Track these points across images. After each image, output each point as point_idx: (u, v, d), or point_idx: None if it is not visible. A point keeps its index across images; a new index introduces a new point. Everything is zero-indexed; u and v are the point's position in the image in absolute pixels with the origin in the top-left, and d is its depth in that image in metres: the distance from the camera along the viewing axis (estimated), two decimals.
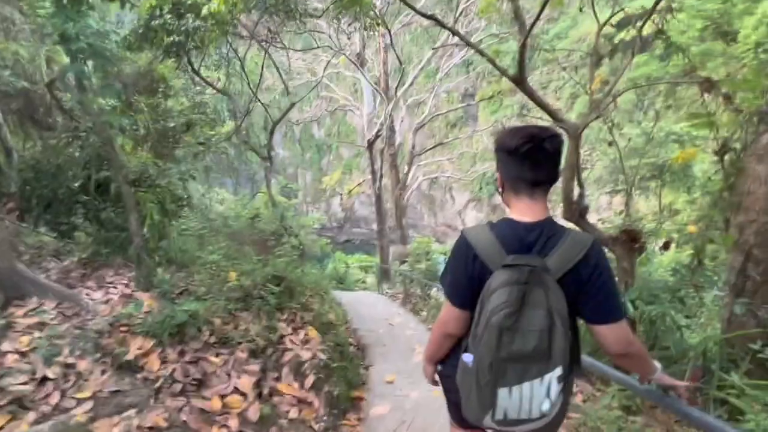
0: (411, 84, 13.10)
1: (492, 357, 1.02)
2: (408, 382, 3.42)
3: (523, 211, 1.13)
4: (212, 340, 2.57)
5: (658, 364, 1.22)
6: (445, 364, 1.32)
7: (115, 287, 2.99)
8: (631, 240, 3.76)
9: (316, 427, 2.39)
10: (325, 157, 34.49)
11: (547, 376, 1.02)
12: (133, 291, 2.93)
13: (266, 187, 7.42)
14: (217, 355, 2.46)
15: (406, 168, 13.55)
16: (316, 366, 2.80)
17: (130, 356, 2.12)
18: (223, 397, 2.15)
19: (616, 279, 4.03)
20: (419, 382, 3.62)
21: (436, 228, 32.41)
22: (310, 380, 2.69)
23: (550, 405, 1.04)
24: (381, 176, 12.17)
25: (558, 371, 1.02)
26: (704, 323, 3.98)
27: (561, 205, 4.11)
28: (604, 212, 23.68)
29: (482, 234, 1.13)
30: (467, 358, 1.10)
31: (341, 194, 17.75)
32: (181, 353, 2.33)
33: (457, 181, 31.99)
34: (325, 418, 2.46)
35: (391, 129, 13.20)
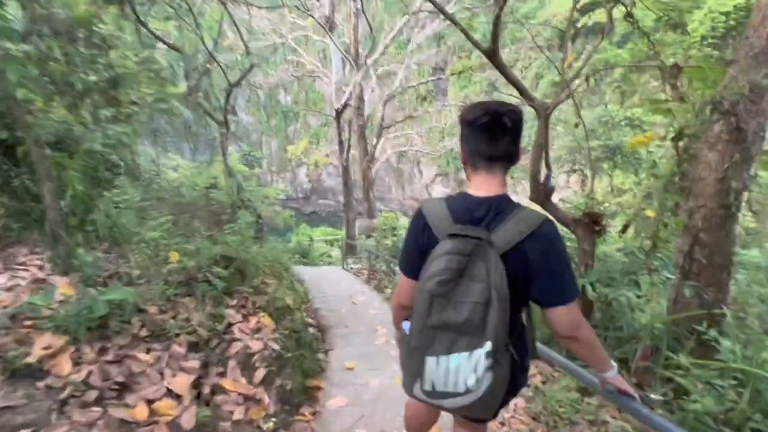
0: (382, 53, 12.43)
1: (422, 323, 1.02)
2: (369, 368, 3.25)
3: (479, 185, 1.12)
4: (144, 333, 2.22)
5: (614, 364, 1.19)
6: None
7: (26, 269, 2.52)
8: (593, 222, 3.72)
9: (264, 427, 2.15)
10: (291, 124, 32.92)
11: (477, 351, 0.99)
12: (48, 275, 2.47)
13: (222, 154, 6.77)
14: (148, 351, 2.13)
15: (374, 140, 13.10)
16: (268, 357, 2.54)
17: (31, 359, 1.74)
18: (151, 402, 1.84)
19: (575, 260, 4.05)
20: (381, 368, 3.48)
21: (403, 201, 32.40)
22: (260, 374, 2.43)
23: (475, 380, 0.99)
24: (349, 147, 11.68)
25: (488, 346, 0.98)
26: (654, 305, 4.10)
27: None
28: (562, 191, 24.64)
29: (436, 205, 1.13)
30: (406, 325, 1.12)
31: (308, 164, 17.02)
32: (102, 351, 1.97)
33: (425, 155, 31.86)
34: (274, 417, 2.23)
35: (361, 99, 12.59)
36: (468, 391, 1.00)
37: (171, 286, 2.70)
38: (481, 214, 1.07)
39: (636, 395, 1.23)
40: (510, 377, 1.05)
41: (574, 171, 20.80)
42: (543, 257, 1.01)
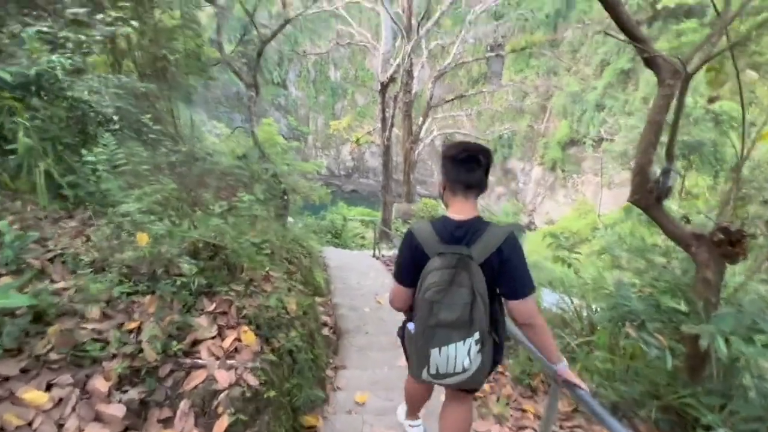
0: (436, 23, 11.08)
1: (424, 324, 1.32)
2: (383, 404, 2.40)
3: (457, 209, 1.41)
4: (54, 355, 1.47)
5: (563, 358, 1.48)
6: (401, 331, 1.62)
7: None
8: (728, 243, 2.51)
9: None
10: (339, 101, 32.18)
11: (468, 340, 1.30)
12: None
13: (248, 120, 6.06)
14: (48, 388, 1.38)
15: (420, 119, 11.94)
16: (239, 399, 1.73)
17: None
18: None
19: (693, 292, 2.88)
20: (398, 406, 2.60)
21: None
22: (222, 424, 1.63)
23: (469, 362, 1.33)
24: (392, 125, 10.64)
25: (476, 336, 1.31)
26: None
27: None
28: (627, 191, 21.88)
29: (424, 228, 1.41)
30: (410, 326, 1.46)
31: (351, 141, 16.23)
32: None
33: (471, 141, 29.95)
34: None
35: (409, 74, 11.42)
36: (465, 370, 1.34)
37: (127, 281, 1.96)
38: (461, 234, 1.36)
39: (584, 385, 1.46)
40: (493, 354, 1.42)
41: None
42: (507, 263, 1.32)
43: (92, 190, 2.59)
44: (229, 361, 1.87)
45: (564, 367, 1.46)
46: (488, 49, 13.07)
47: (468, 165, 1.39)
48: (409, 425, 2.06)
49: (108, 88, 4.39)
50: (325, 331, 3.69)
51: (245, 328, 2.08)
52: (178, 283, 2.05)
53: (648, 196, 2.66)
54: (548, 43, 22.73)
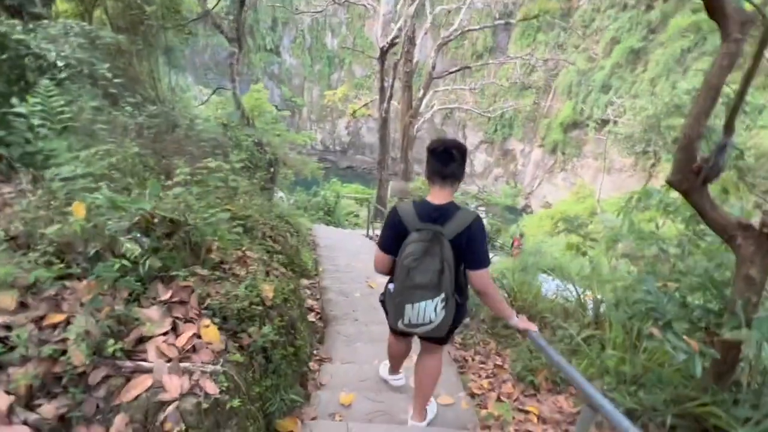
0: None
1: (402, 285, 1.67)
2: (372, 408, 2.11)
3: (435, 195, 1.74)
4: None
5: (513, 312, 1.86)
6: (385, 291, 1.94)
7: None
8: None
9: None
10: (336, 71, 30.97)
11: (435, 299, 1.65)
12: None
13: (231, 80, 5.53)
14: None
15: (421, 92, 11.36)
16: (192, 413, 1.41)
17: None
18: None
19: (730, 289, 2.58)
20: (389, 412, 2.28)
21: None
22: None
23: (435, 315, 1.67)
24: (390, 96, 10.09)
25: (442, 296, 1.65)
26: None
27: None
28: (626, 177, 21.61)
29: (407, 208, 1.74)
30: (390, 286, 1.83)
31: (346, 113, 15.52)
32: None
33: (472, 119, 29.21)
34: None
35: (411, 41, 10.73)
36: (431, 321, 1.69)
37: (60, 262, 1.59)
38: (436, 216, 1.68)
39: (534, 327, 1.83)
40: (455, 312, 1.76)
41: (645, 153, 17.88)
42: (470, 241, 1.65)
43: (31, 150, 2.18)
44: (183, 364, 1.53)
45: (518, 320, 1.85)
46: (497, 16, 12.30)
47: (444, 158, 1.69)
48: (393, 379, 2.40)
49: (68, 36, 3.87)
50: (311, 317, 3.39)
51: (207, 321, 1.73)
52: (124, 265, 1.68)
53: (692, 176, 2.28)
54: (561, 13, 21.75)
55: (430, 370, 2.01)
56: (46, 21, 4.23)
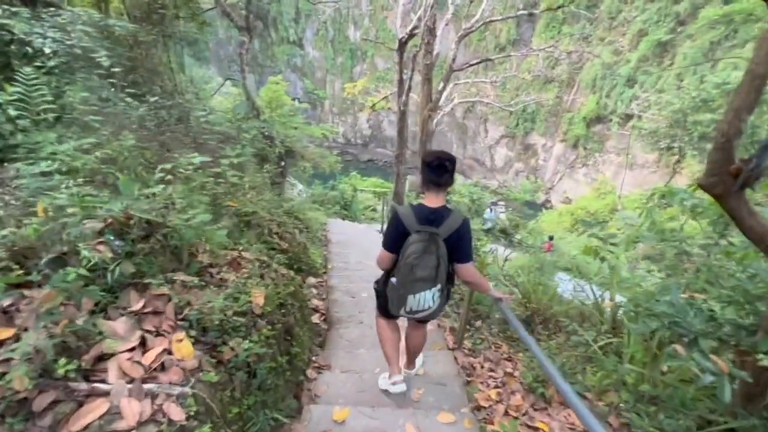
0: None
1: (405, 279, 1.87)
2: (367, 426, 1.87)
3: (430, 200, 1.90)
4: None
5: (491, 285, 2.14)
6: (383, 284, 2.13)
7: None
8: None
9: None
10: (358, 64, 30.50)
11: (433, 289, 1.89)
12: None
13: (240, 70, 5.30)
14: None
15: (441, 84, 10.86)
16: None
17: None
18: None
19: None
20: (384, 431, 2.02)
21: (462, 161, 29.62)
22: None
23: (432, 303, 1.94)
24: (409, 89, 9.66)
25: (439, 287, 1.91)
26: None
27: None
28: (648, 173, 20.34)
29: (407, 211, 1.89)
30: (393, 280, 1.96)
31: (366, 106, 15.15)
32: None
33: (493, 113, 28.23)
34: None
35: (431, 32, 10.21)
36: (429, 308, 1.95)
37: (19, 268, 1.40)
38: (432, 218, 1.85)
39: (503, 296, 2.12)
40: (446, 299, 2.04)
41: (670, 149, 16.68)
42: (460, 239, 1.86)
43: (14, 143, 2.01)
44: (147, 385, 1.33)
45: (495, 290, 2.11)
46: (521, 7, 11.51)
47: (439, 170, 1.84)
48: (393, 386, 2.31)
49: (76, 24, 3.70)
50: (315, 318, 3.17)
51: (181, 334, 1.52)
52: (85, 273, 1.48)
53: (729, 179, 1.89)
54: (588, 4, 20.49)
55: (418, 339, 2.36)
56: (56, 9, 4.10)
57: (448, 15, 11.05)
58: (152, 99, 3.54)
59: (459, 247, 1.86)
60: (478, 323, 3.44)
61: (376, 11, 28.90)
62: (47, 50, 2.46)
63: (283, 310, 2.28)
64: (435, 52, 10.53)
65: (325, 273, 4.05)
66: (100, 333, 1.39)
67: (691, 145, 13.34)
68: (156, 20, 5.22)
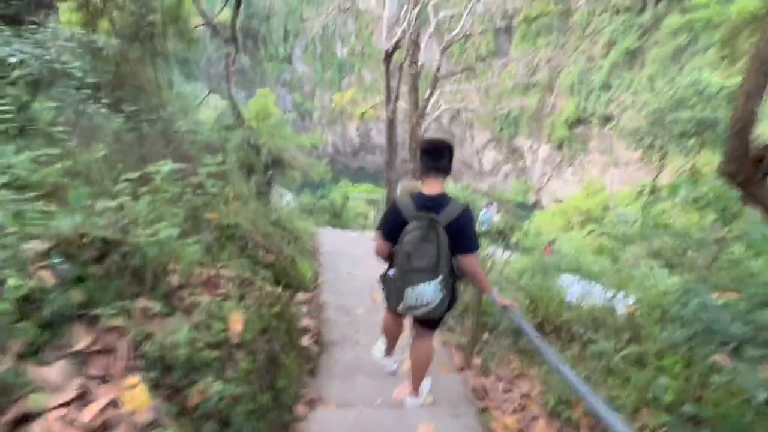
0: None
1: (402, 269, 1.76)
2: None
3: (429, 187, 1.80)
4: None
5: (493, 288, 1.99)
6: (384, 276, 1.97)
7: None
8: None
9: None
10: (346, 77, 30.48)
11: (433, 281, 1.72)
12: None
13: (226, 79, 5.04)
14: None
15: (427, 92, 10.74)
16: None
17: None
18: None
19: None
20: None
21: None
22: None
23: (433, 297, 1.75)
24: (397, 97, 9.51)
25: (440, 278, 1.73)
26: None
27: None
28: (633, 170, 20.54)
29: (406, 199, 1.81)
30: (391, 272, 1.88)
31: (355, 115, 14.93)
32: None
33: (478, 119, 28.38)
34: None
35: (416, 44, 10.12)
36: (429, 303, 1.76)
37: None
38: (431, 205, 1.75)
39: (511, 304, 1.96)
40: (450, 295, 1.84)
41: (651, 146, 16.78)
42: (460, 228, 1.73)
43: None
44: None
45: (496, 294, 1.98)
46: (498, 21, 11.53)
47: (435, 155, 1.82)
48: (386, 363, 2.40)
49: (57, 40, 3.53)
50: (306, 340, 2.85)
51: (135, 379, 1.21)
52: (27, 303, 1.18)
53: (750, 166, 1.68)
54: (559, 16, 20.99)
55: (423, 353, 2.11)
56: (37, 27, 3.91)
57: (431, 29, 11.00)
58: (130, 110, 3.25)
59: (460, 235, 1.74)
60: (485, 336, 3.15)
61: (362, 29, 29.07)
62: (12, 60, 2.18)
63: (267, 336, 1.97)
64: (420, 63, 10.44)
65: (315, 287, 3.74)
66: (26, 383, 1.08)
67: (672, 142, 13.43)
68: (143, 38, 4.92)
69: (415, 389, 2.16)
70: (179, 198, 2.43)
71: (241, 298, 1.96)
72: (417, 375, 2.14)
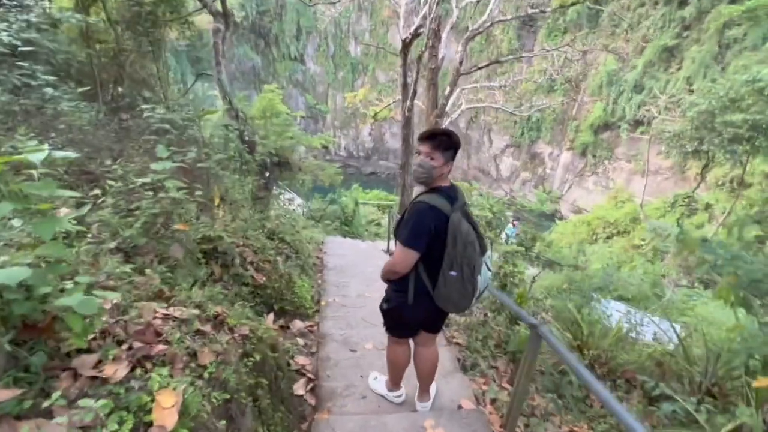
0: None
1: (475, 261, 1.70)
2: None
3: (447, 180, 1.83)
4: None
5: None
6: (399, 294, 1.86)
7: None
8: None
9: None
10: (359, 77, 30.02)
11: (485, 259, 1.79)
12: None
13: (216, 63, 4.49)
14: None
15: (447, 89, 10.08)
16: None
17: None
18: None
19: None
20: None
21: (467, 171, 28.75)
22: None
23: (489, 277, 1.83)
24: (414, 93, 8.87)
25: (489, 253, 1.84)
26: None
27: None
28: (662, 179, 19.30)
29: (435, 197, 1.74)
30: (453, 274, 1.71)
31: (368, 115, 14.35)
32: None
33: (498, 122, 27.51)
34: None
35: (436, 35, 9.49)
36: (488, 285, 1.84)
37: None
38: (453, 195, 1.78)
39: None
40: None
41: (697, 152, 15.62)
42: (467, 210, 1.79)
43: None
44: None
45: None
46: (529, 7, 10.79)
47: (430, 138, 1.81)
48: (394, 396, 2.22)
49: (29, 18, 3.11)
50: (299, 387, 2.21)
51: None
52: None
53: None
54: (590, 10, 20.00)
55: (432, 359, 2.08)
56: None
57: (453, 19, 10.36)
58: (121, 103, 2.74)
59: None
60: (532, 390, 2.45)
61: (377, 26, 28.64)
62: None
63: (231, 408, 1.33)
64: (440, 56, 9.79)
65: (316, 312, 3.10)
66: None
67: (722, 147, 12.30)
68: (143, 27, 4.42)
69: (425, 394, 2.18)
70: (129, 202, 1.84)
71: (193, 356, 1.33)
72: (427, 381, 2.15)
